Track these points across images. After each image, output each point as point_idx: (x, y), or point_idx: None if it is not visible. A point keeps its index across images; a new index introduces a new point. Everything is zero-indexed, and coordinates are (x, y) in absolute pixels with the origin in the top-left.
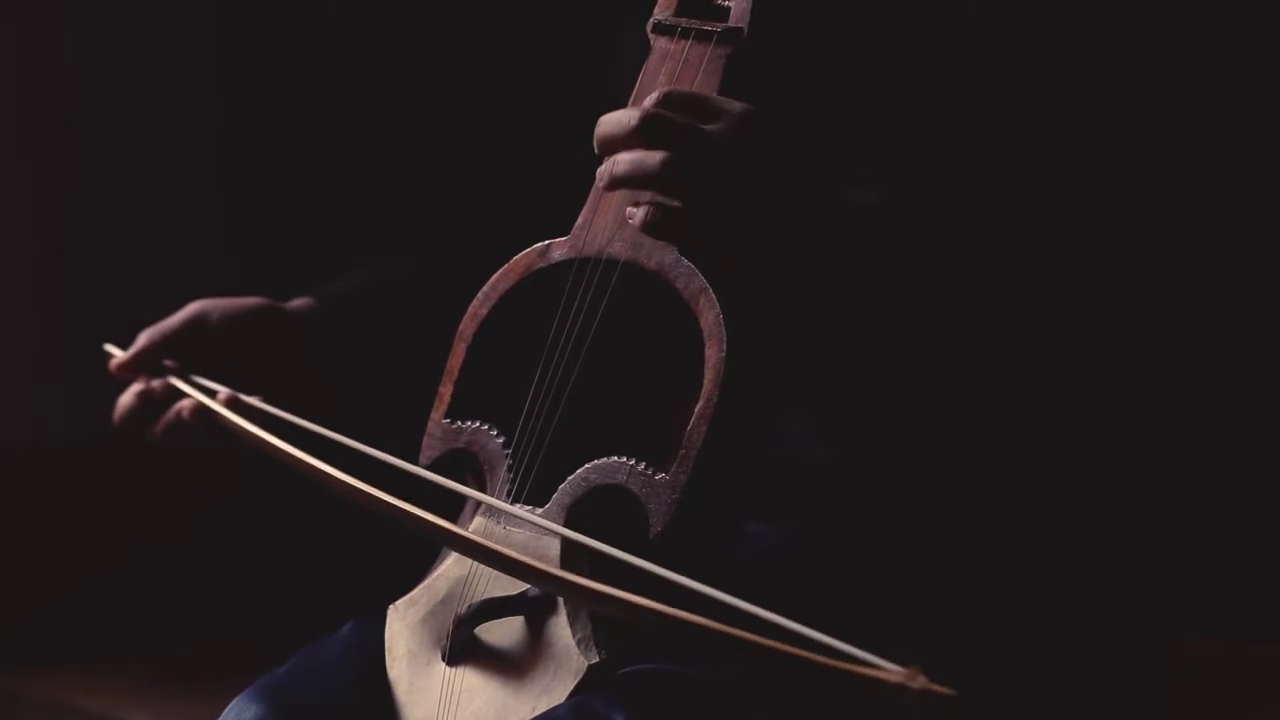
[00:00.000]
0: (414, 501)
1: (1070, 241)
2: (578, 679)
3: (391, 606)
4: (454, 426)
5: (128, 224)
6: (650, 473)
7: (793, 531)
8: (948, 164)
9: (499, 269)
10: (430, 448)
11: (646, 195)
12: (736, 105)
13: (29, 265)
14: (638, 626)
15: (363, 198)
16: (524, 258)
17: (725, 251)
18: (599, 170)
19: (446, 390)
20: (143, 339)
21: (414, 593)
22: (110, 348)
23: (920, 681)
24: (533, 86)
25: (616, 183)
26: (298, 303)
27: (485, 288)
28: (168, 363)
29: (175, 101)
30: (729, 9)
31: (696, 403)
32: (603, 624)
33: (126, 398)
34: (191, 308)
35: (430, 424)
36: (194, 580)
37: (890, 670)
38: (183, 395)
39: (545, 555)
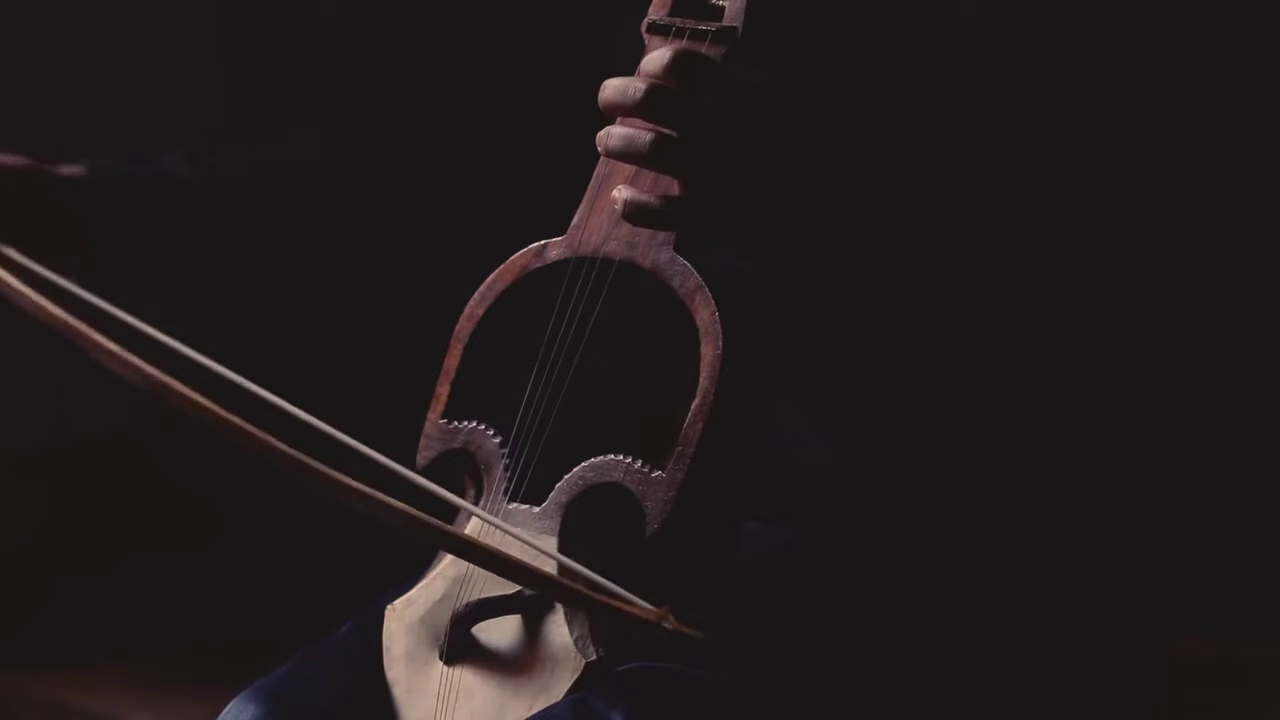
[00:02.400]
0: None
1: (1069, 238)
2: (575, 677)
3: (389, 607)
4: (450, 426)
5: None
6: (647, 471)
7: (790, 530)
8: (945, 158)
9: (495, 269)
10: (427, 448)
11: (645, 181)
12: (739, 79)
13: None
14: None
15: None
16: (520, 257)
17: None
18: (597, 135)
19: (443, 390)
20: None
21: (411, 593)
22: None
23: (670, 622)
24: (532, 86)
25: (610, 154)
26: (70, 169)
27: (482, 288)
28: None
29: (175, 101)
30: (723, 8)
31: (693, 400)
32: (600, 622)
33: None
34: None
35: (427, 424)
36: (194, 580)
37: (645, 609)
38: None
39: (545, 549)
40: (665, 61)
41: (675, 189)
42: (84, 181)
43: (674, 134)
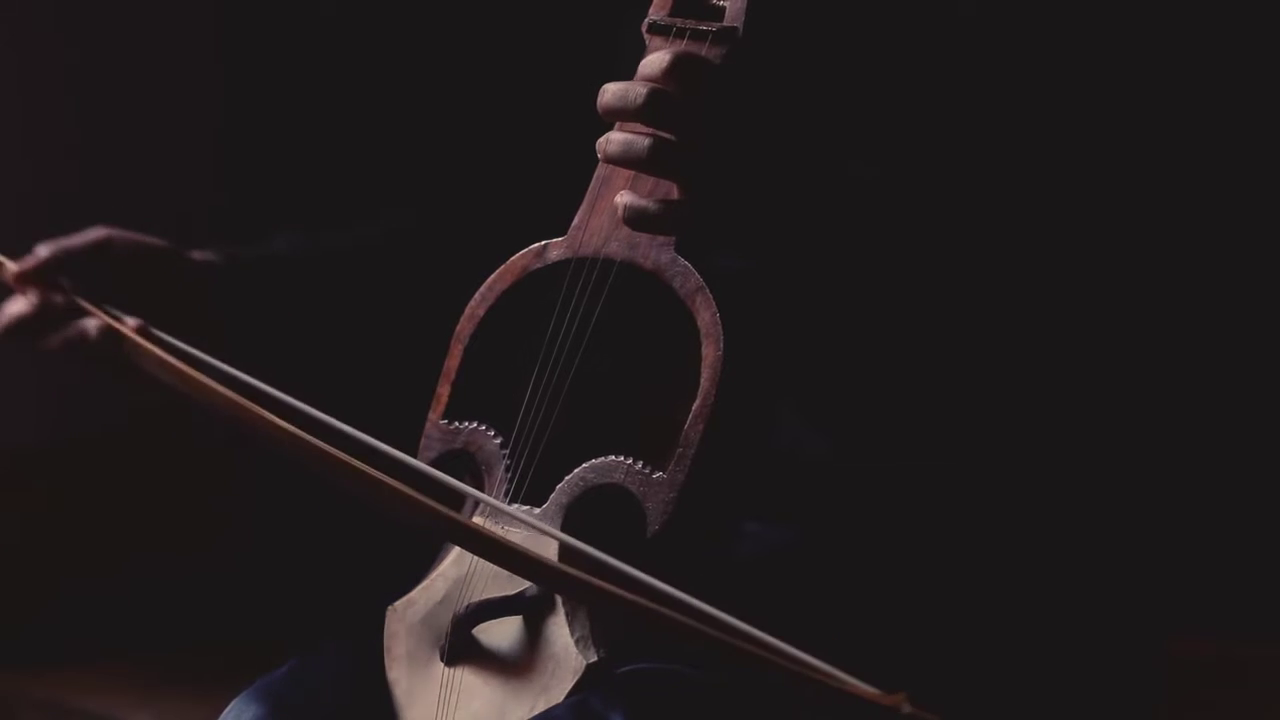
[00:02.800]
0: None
1: (1069, 236)
2: (576, 678)
3: (390, 607)
4: (451, 427)
5: (128, 224)
6: (648, 471)
7: (790, 530)
8: (946, 156)
9: (496, 269)
10: (428, 449)
11: (646, 184)
12: (738, 81)
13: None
14: (630, 627)
15: (364, 197)
16: (521, 258)
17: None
18: (597, 142)
19: (444, 391)
20: (44, 250)
21: (412, 593)
22: (1, 258)
23: (908, 708)
24: (532, 86)
25: (609, 159)
26: (201, 254)
27: (482, 288)
28: (64, 282)
29: (175, 101)
30: (724, 9)
31: (694, 402)
32: (601, 623)
33: (20, 304)
34: (98, 230)
35: (428, 425)
36: (194, 580)
37: (878, 694)
38: (83, 314)
39: (543, 549)
40: (665, 65)
41: (675, 193)
42: (215, 267)
43: (673, 138)
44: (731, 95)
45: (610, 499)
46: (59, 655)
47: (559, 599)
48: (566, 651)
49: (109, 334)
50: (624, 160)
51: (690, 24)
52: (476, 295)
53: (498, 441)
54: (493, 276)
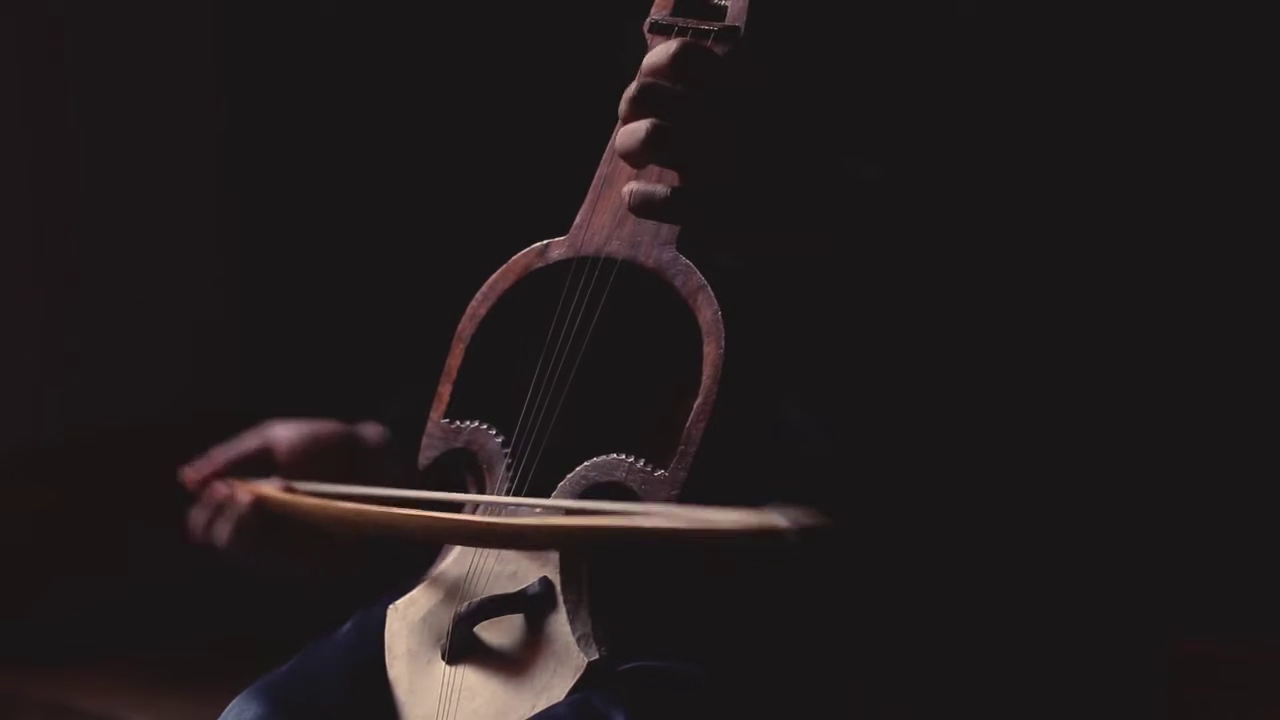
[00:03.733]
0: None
1: (1071, 234)
2: (577, 676)
3: (391, 606)
4: (452, 426)
5: (129, 223)
6: (649, 470)
7: None
8: (947, 154)
9: (498, 268)
10: (429, 448)
11: (653, 174)
12: (741, 70)
13: (29, 265)
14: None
15: (366, 196)
16: (522, 257)
17: (719, 227)
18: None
19: (445, 390)
20: (217, 457)
21: (413, 592)
22: (188, 470)
23: (792, 521)
24: (534, 86)
25: (618, 152)
26: (369, 430)
27: (484, 287)
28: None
29: (177, 101)
30: (725, 8)
31: (695, 400)
32: (602, 621)
33: (200, 510)
34: (264, 433)
35: (429, 424)
36: (195, 580)
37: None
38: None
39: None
40: (670, 53)
41: (677, 184)
42: (387, 444)
43: (671, 125)
44: (736, 85)
45: (612, 497)
46: (59, 655)
47: (560, 597)
48: (568, 649)
49: (257, 500)
50: (626, 149)
51: (692, 23)
52: (478, 294)
53: (499, 440)
54: (494, 276)
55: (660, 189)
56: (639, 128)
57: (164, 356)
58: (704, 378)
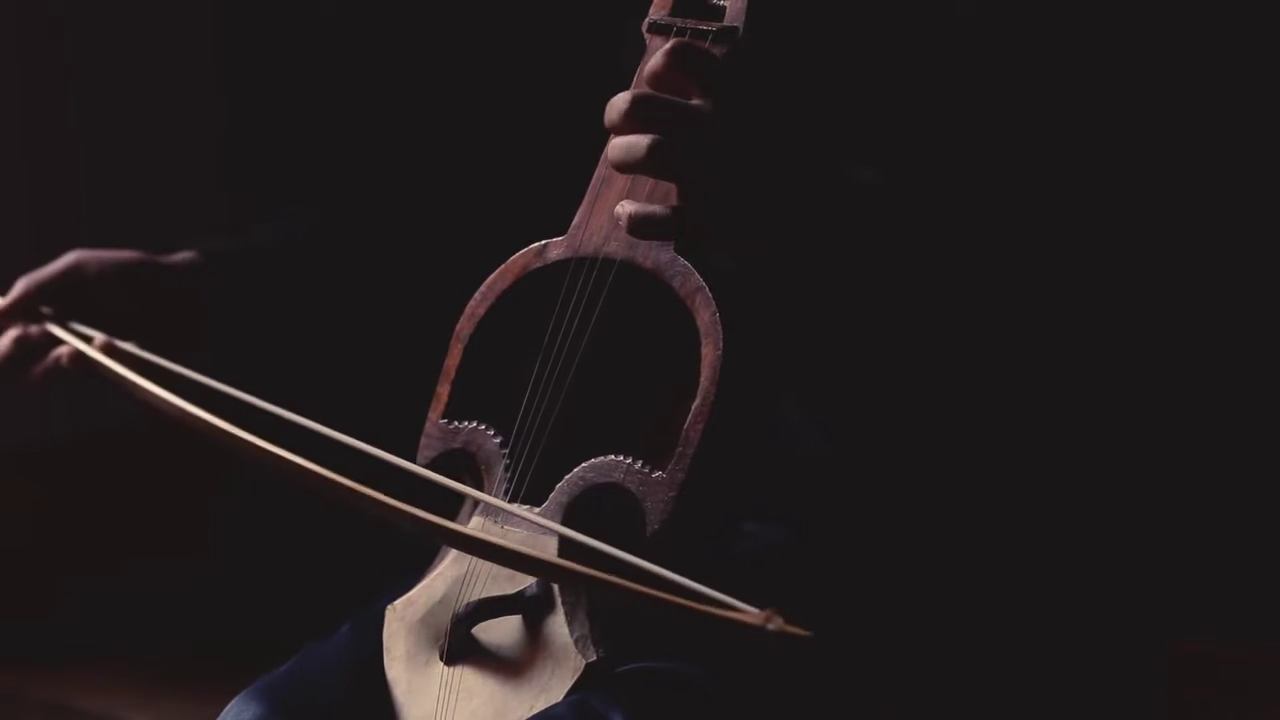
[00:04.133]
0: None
1: (1069, 235)
2: (575, 677)
3: (390, 606)
4: (451, 427)
5: (129, 223)
6: (647, 471)
7: (789, 527)
8: (946, 156)
9: (496, 268)
10: (428, 448)
11: (644, 187)
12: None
13: (29, 264)
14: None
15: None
16: (521, 258)
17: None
18: (605, 150)
19: (443, 390)
20: (19, 285)
21: (412, 593)
22: None
23: (776, 623)
24: (532, 85)
25: (612, 165)
26: (181, 255)
27: (482, 288)
28: (45, 309)
29: (176, 101)
30: (724, 8)
31: (693, 401)
32: (600, 622)
33: (3, 342)
34: (68, 256)
35: (428, 424)
36: (194, 580)
37: (748, 612)
38: (61, 341)
39: (544, 549)
40: (666, 51)
41: (674, 196)
42: (196, 265)
43: (669, 139)
44: (732, 92)
45: (610, 498)
46: (59, 655)
47: (559, 598)
48: (566, 650)
49: (78, 357)
50: (624, 163)
51: (690, 23)
52: (476, 294)
53: (497, 441)
54: (493, 276)
55: (659, 210)
56: (639, 143)
57: None
58: (702, 379)
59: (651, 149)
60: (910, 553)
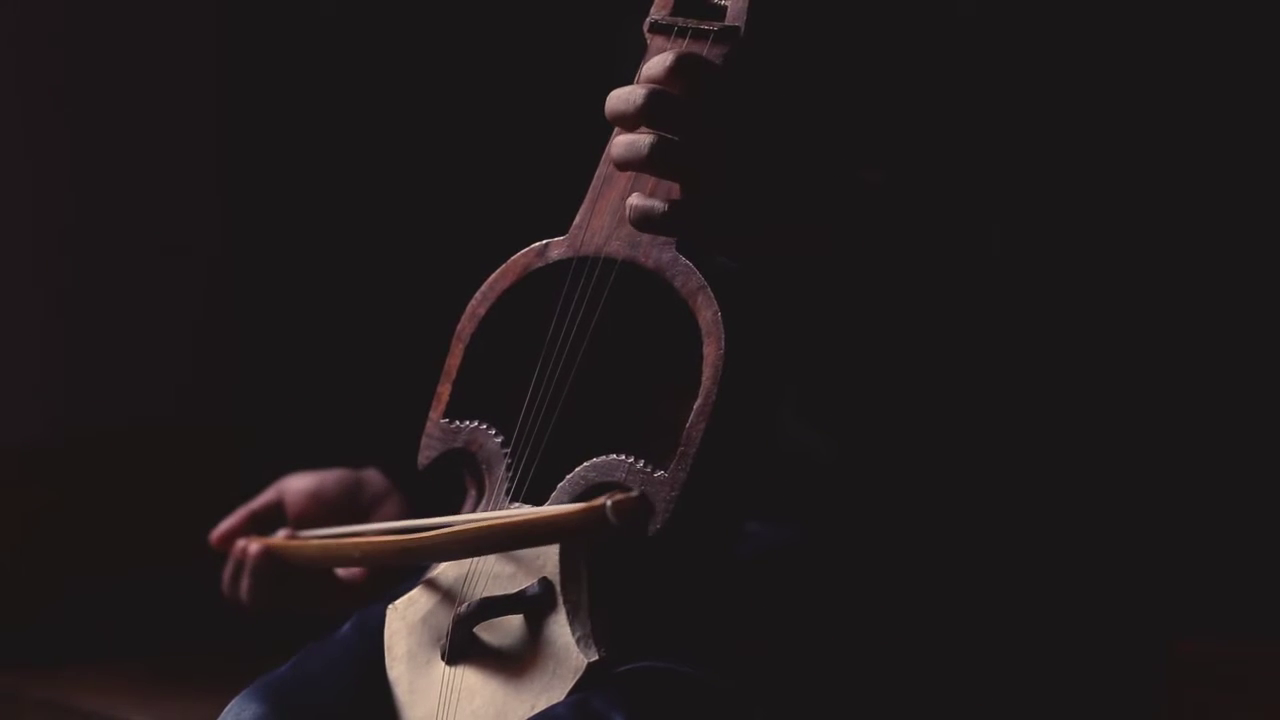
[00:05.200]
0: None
1: (1071, 234)
2: (577, 677)
3: (391, 606)
4: (452, 426)
5: (129, 224)
6: (649, 470)
7: (792, 528)
8: (948, 155)
9: (497, 268)
10: (429, 448)
11: (647, 184)
12: (739, 83)
13: (29, 264)
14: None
15: (365, 196)
16: (522, 257)
17: (721, 232)
18: (608, 147)
19: (444, 390)
20: (235, 514)
21: (413, 592)
22: (214, 532)
23: (611, 500)
24: (533, 85)
25: (614, 162)
26: (372, 475)
27: (483, 287)
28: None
29: (177, 100)
30: (725, 8)
31: (695, 400)
32: (602, 622)
33: (227, 568)
34: (277, 486)
35: (428, 424)
36: (194, 580)
37: (580, 506)
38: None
39: (545, 552)
40: (667, 65)
41: (677, 193)
42: (391, 488)
43: (675, 138)
44: (735, 94)
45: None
46: (59, 655)
47: (560, 598)
48: (567, 650)
49: (267, 550)
50: (627, 161)
51: (692, 23)
52: (477, 294)
53: (499, 440)
54: (494, 275)
55: (659, 205)
56: (641, 142)
57: (164, 357)
58: (704, 379)
59: (655, 147)
60: (912, 553)
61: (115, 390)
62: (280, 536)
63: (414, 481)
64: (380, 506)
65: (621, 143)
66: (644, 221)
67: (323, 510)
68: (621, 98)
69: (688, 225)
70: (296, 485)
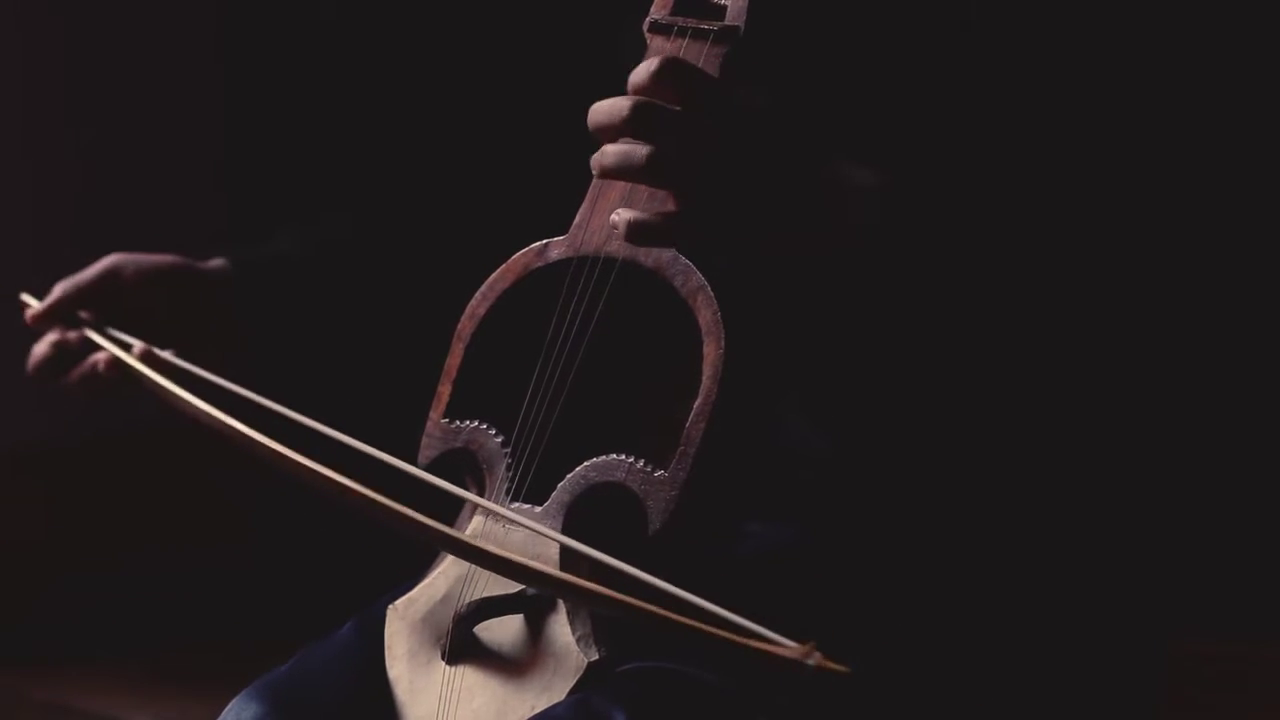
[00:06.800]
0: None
1: (1071, 234)
2: (577, 677)
3: (391, 606)
4: (452, 426)
5: (129, 222)
6: (649, 470)
7: (792, 529)
8: (949, 154)
9: (497, 268)
10: (429, 447)
11: (642, 192)
12: (732, 90)
13: (29, 264)
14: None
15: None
16: (522, 257)
17: (717, 239)
18: (591, 159)
19: (445, 390)
20: (57, 290)
21: (413, 592)
22: (26, 298)
23: (816, 658)
24: (532, 85)
25: (606, 173)
26: (214, 263)
27: (483, 287)
28: (83, 314)
29: (176, 100)
30: (725, 8)
31: (695, 400)
32: (602, 622)
33: (41, 346)
34: (106, 260)
35: (429, 424)
36: (194, 580)
37: (787, 646)
38: (99, 347)
39: (544, 555)
40: (651, 71)
41: (671, 203)
42: (227, 274)
43: (668, 149)
44: (727, 97)
45: (612, 498)
46: (59, 655)
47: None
48: (568, 650)
49: (115, 364)
50: (621, 172)
51: (691, 23)
52: (477, 294)
53: (499, 440)
54: (494, 275)
55: (653, 218)
56: (636, 153)
57: None
58: (704, 378)
59: (650, 159)
60: (912, 552)
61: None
62: (136, 351)
63: (254, 287)
64: (215, 297)
65: (613, 153)
66: (641, 234)
67: (156, 294)
68: (607, 110)
69: (682, 236)
70: (130, 264)
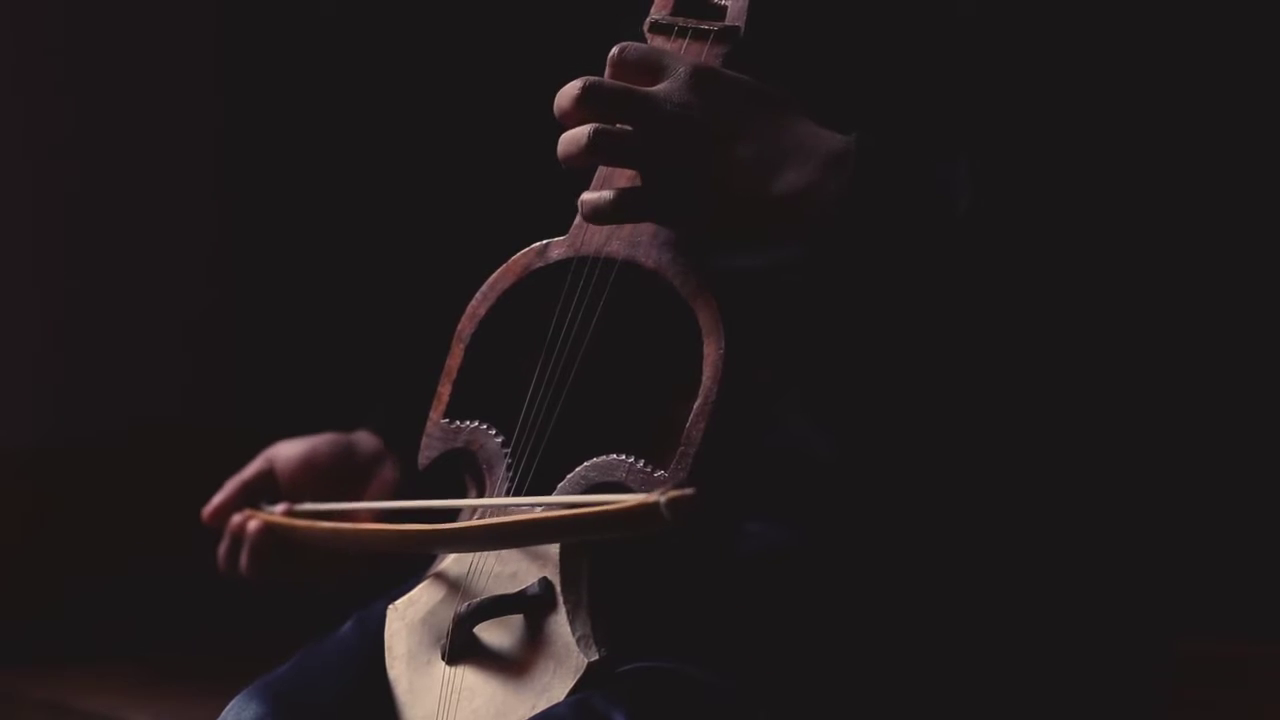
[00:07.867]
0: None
1: (1070, 235)
2: (577, 677)
3: (391, 606)
4: (453, 426)
5: (128, 224)
6: (649, 470)
7: (792, 529)
8: (948, 154)
9: (497, 268)
10: (429, 447)
11: (624, 178)
12: (687, 60)
13: (29, 265)
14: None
15: (364, 197)
16: (522, 257)
17: (693, 216)
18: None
19: (445, 390)
20: (226, 488)
21: (413, 592)
22: (206, 508)
23: (665, 497)
24: (532, 85)
25: (564, 160)
26: (364, 439)
27: (484, 287)
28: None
29: (176, 101)
30: (725, 8)
31: (695, 400)
32: (602, 622)
33: (222, 544)
34: (266, 454)
35: (429, 424)
36: (193, 580)
37: (633, 497)
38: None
39: (545, 552)
40: (574, 94)
41: (626, 181)
42: (384, 452)
43: (610, 126)
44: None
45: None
46: (59, 655)
47: (561, 598)
48: (568, 650)
49: (266, 527)
50: (569, 155)
51: (691, 23)
52: (478, 294)
53: (499, 440)
54: (494, 275)
55: (605, 194)
56: (580, 133)
57: (163, 357)
58: (704, 378)
59: (591, 137)
60: (913, 552)
61: (114, 391)
62: (279, 511)
63: (406, 444)
64: (374, 470)
65: (564, 139)
66: (596, 214)
67: (315, 476)
68: (560, 93)
69: (640, 212)
70: (287, 452)
